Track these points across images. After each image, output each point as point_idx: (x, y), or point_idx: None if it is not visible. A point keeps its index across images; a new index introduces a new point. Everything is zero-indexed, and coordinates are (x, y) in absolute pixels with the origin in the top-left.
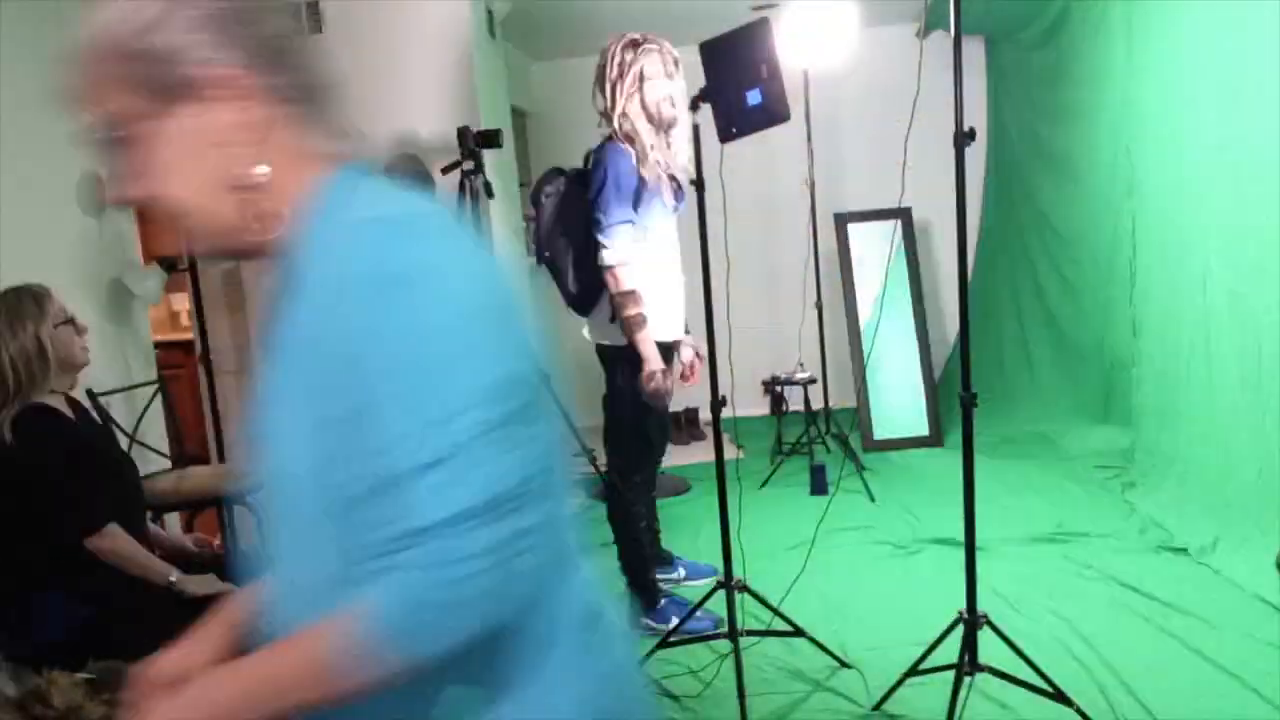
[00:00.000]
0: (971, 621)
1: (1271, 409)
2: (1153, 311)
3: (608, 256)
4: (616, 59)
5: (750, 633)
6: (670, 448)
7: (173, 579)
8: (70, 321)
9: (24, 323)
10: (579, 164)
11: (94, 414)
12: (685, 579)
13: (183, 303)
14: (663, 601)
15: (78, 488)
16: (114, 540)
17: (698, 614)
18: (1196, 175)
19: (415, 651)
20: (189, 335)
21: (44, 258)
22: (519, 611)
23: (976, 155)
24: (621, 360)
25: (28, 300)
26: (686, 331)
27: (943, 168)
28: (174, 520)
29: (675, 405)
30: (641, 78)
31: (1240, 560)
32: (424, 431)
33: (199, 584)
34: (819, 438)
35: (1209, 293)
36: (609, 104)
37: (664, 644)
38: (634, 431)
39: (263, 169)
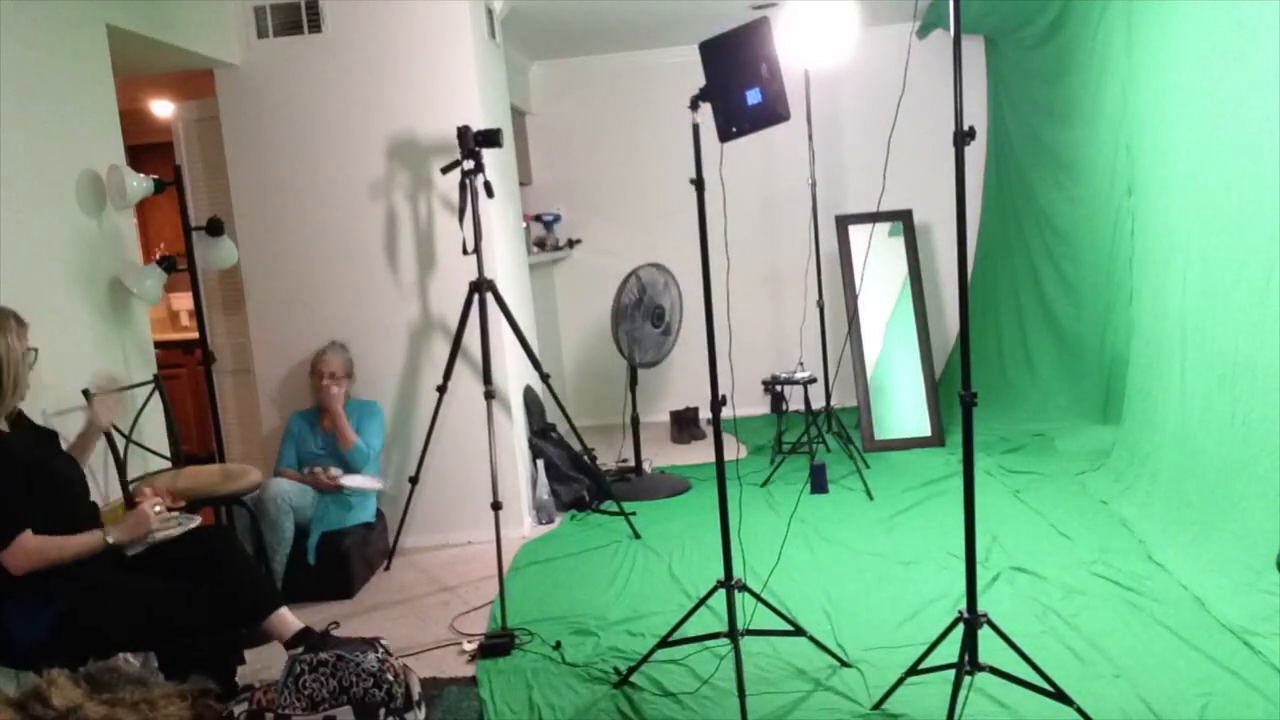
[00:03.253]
0: (971, 621)
1: (1239, 411)
2: (1144, 310)
3: None
4: None
5: (750, 632)
6: (671, 447)
7: (109, 539)
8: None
9: (8, 337)
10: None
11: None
12: None
13: (183, 303)
14: None
15: None
16: (24, 551)
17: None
18: (1189, 174)
19: None
20: (189, 335)
21: (44, 257)
22: None
23: (976, 155)
24: None
25: (11, 319)
26: None
27: (942, 168)
28: None
29: (675, 404)
30: None
31: (1188, 562)
32: None
33: (125, 529)
34: (819, 437)
35: (1188, 293)
36: None
37: (664, 643)
38: None
39: None
